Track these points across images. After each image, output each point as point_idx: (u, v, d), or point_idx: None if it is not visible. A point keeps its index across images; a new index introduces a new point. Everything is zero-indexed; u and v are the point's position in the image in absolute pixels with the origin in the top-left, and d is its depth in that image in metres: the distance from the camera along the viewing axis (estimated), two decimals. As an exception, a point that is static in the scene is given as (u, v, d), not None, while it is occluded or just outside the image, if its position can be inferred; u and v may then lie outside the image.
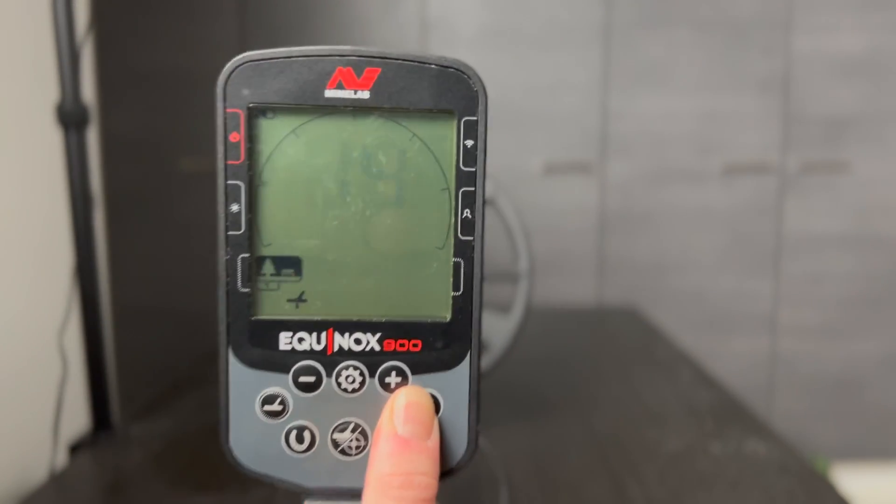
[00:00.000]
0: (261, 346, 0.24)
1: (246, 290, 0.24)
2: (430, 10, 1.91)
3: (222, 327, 0.24)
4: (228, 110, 0.23)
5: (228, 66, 0.23)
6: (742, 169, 1.95)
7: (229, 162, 0.23)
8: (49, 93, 0.85)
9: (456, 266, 0.24)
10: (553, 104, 1.94)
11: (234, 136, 0.23)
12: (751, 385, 2.00)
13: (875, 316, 1.98)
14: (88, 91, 1.82)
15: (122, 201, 1.94)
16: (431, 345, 0.24)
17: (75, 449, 0.72)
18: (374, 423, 0.24)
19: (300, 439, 0.24)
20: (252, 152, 0.23)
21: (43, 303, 1.23)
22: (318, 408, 0.24)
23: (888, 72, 1.92)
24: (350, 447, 0.24)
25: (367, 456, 0.24)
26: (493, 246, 0.59)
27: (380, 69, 0.23)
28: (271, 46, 0.24)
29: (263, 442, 0.24)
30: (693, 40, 1.92)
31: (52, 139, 0.95)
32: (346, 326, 0.24)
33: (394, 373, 0.24)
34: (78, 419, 1.08)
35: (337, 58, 0.23)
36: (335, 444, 0.24)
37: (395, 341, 0.24)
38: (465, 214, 0.24)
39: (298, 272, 0.24)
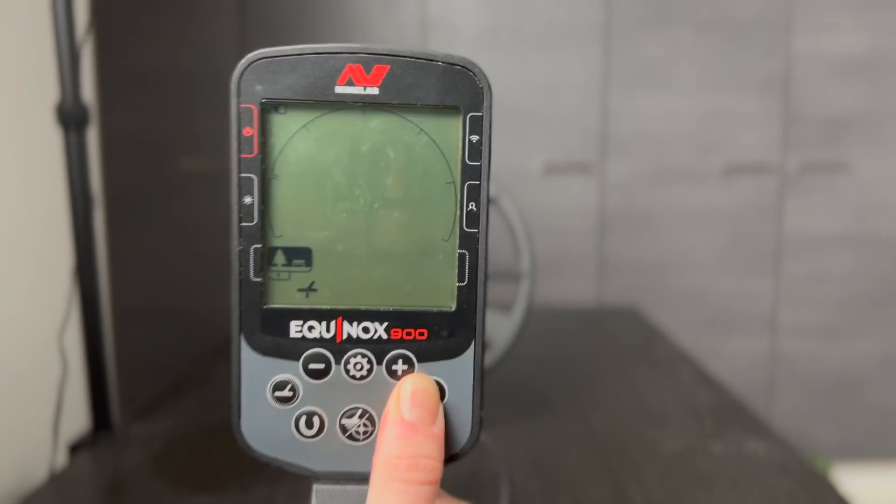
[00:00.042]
0: (272, 334, 0.24)
1: (258, 279, 0.24)
2: (430, 9, 1.91)
3: (235, 315, 0.24)
4: (242, 105, 0.24)
5: (242, 62, 0.24)
6: (742, 169, 1.95)
7: (243, 155, 0.24)
8: (49, 93, 0.85)
9: (461, 257, 0.25)
10: (553, 104, 1.94)
11: (247, 131, 0.24)
12: (751, 385, 2.00)
13: (875, 316, 1.98)
14: (88, 91, 1.82)
15: (122, 201, 1.94)
16: (437, 334, 0.25)
17: (75, 449, 0.72)
18: (381, 409, 0.25)
19: (310, 425, 0.25)
20: (265, 146, 0.24)
21: (43, 303, 1.23)
22: (327, 394, 0.25)
23: (888, 72, 1.92)
24: (358, 432, 0.25)
25: (374, 441, 0.25)
26: (496, 246, 0.59)
27: (388, 66, 0.24)
28: (271, 46, 0.24)
29: (274, 427, 0.25)
30: (693, 40, 1.92)
31: (52, 139, 0.95)
32: (354, 315, 0.25)
33: (400, 360, 0.25)
34: (78, 419, 1.08)
35: (347, 55, 0.24)
36: (343, 429, 0.25)
37: (402, 330, 0.25)
38: (470, 207, 0.25)
39: (309, 263, 0.25)
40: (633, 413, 0.76)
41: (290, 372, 0.25)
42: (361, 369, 0.25)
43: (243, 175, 0.24)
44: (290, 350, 0.24)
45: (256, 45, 0.26)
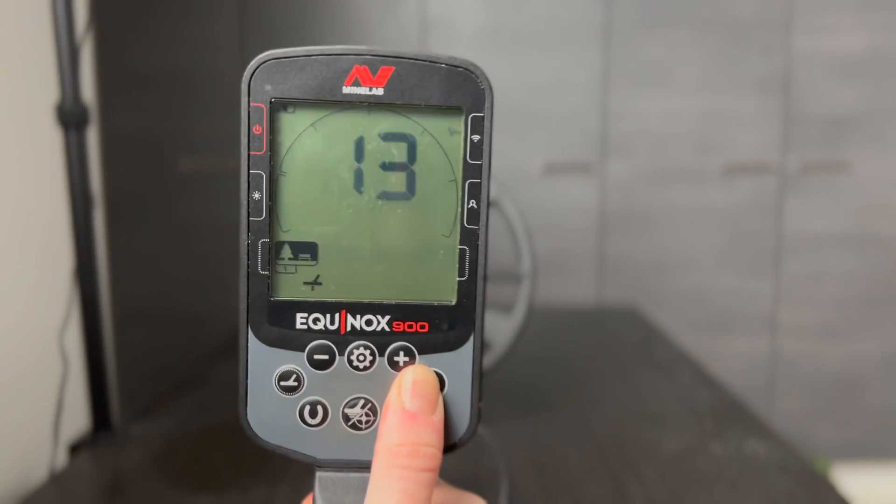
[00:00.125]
0: (278, 326, 0.25)
1: (265, 272, 0.25)
2: (430, 9, 1.91)
3: (242, 307, 0.25)
4: (252, 104, 0.25)
5: (253, 63, 0.25)
6: (742, 169, 1.95)
7: (252, 153, 0.25)
8: (49, 93, 0.85)
9: (462, 253, 0.26)
10: (553, 104, 1.94)
11: (257, 129, 0.25)
12: (751, 385, 2.00)
13: (875, 316, 1.98)
14: (88, 91, 1.82)
15: (122, 201, 1.94)
16: (438, 327, 0.26)
17: (75, 449, 0.72)
18: (382, 399, 0.25)
19: (314, 414, 0.25)
20: (273, 144, 0.25)
21: (43, 303, 1.23)
22: (330, 384, 0.25)
23: (888, 72, 1.92)
24: (360, 421, 0.26)
25: (376, 430, 0.25)
26: (497, 247, 0.59)
27: (393, 68, 0.25)
28: (271, 47, 0.25)
29: (279, 416, 0.25)
30: (693, 40, 1.92)
31: (52, 139, 0.95)
32: (358, 308, 0.26)
33: (402, 352, 0.26)
34: (78, 419, 1.08)
35: (354, 56, 0.25)
36: (346, 418, 0.26)
37: (404, 323, 0.26)
38: (471, 205, 0.25)
39: (314, 257, 0.26)
40: (633, 413, 0.76)
41: (296, 362, 0.25)
42: (364, 360, 0.25)
43: (253, 171, 0.25)
44: (295, 341, 0.25)
45: (256, 46, 0.26)
